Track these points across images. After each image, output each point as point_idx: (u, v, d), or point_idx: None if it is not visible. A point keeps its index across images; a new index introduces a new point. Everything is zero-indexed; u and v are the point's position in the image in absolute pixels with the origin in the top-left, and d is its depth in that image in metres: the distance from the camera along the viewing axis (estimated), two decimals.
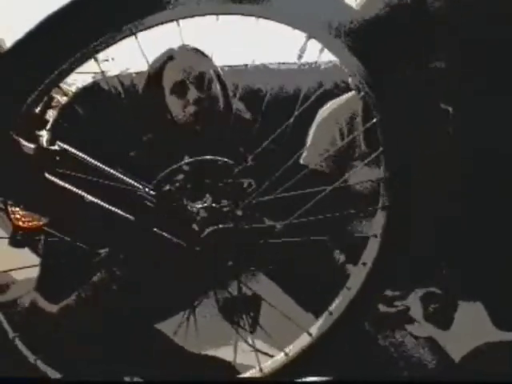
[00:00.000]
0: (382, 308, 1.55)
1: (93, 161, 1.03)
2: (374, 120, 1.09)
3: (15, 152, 0.93)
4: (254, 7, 0.94)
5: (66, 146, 1.01)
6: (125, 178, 1.05)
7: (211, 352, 1.43)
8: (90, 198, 0.99)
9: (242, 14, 0.95)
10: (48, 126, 1.00)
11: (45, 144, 0.99)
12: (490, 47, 1.48)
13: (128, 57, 1.40)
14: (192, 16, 0.93)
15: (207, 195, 1.08)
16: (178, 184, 1.08)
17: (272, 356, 1.29)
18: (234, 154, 1.10)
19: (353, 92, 1.70)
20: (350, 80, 1.65)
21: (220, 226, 1.06)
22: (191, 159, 1.10)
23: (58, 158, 0.98)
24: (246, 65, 2.09)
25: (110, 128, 1.49)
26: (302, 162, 1.70)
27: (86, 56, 0.93)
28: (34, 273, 1.58)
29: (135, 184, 1.06)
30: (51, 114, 1.00)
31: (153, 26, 0.94)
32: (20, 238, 1.03)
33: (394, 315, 1.54)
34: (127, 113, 1.36)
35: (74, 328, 1.45)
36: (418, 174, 1.15)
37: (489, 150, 1.48)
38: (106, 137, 1.44)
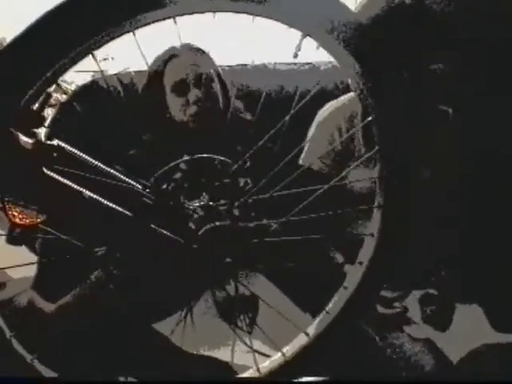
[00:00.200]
0: (380, 309, 1.54)
1: (90, 159, 1.03)
2: (370, 118, 1.09)
3: (13, 146, 0.94)
4: (250, 5, 0.94)
5: (63, 144, 1.01)
6: (122, 176, 1.05)
7: (208, 352, 1.43)
8: (88, 194, 0.99)
9: (239, 12, 0.95)
10: (47, 123, 0.99)
11: (43, 140, 0.99)
12: (489, 48, 1.48)
13: (127, 56, 1.40)
14: (189, 13, 0.93)
15: (204, 194, 1.08)
16: (175, 182, 1.08)
17: (269, 356, 1.28)
18: (232, 153, 1.10)
19: (352, 93, 1.70)
20: (349, 81, 1.65)
21: (217, 223, 1.06)
22: (188, 157, 1.10)
23: (55, 155, 0.99)
24: (246, 65, 2.09)
25: (108, 126, 1.49)
26: (300, 162, 1.70)
27: (83, 53, 0.93)
28: (31, 271, 1.58)
29: (132, 182, 1.06)
30: (49, 112, 0.99)
31: (150, 23, 0.93)
32: (17, 236, 1.03)
33: (392, 316, 1.54)
34: (126, 111, 1.36)
35: (70, 327, 1.45)
36: (415, 173, 1.15)
37: (488, 149, 1.48)
38: (105, 135, 1.44)
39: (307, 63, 2.12)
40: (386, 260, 1.21)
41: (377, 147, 1.12)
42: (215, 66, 1.76)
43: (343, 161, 1.67)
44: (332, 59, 1.06)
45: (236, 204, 1.08)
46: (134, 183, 1.05)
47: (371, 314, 1.49)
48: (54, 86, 0.96)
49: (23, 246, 1.13)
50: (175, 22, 0.93)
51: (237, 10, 0.95)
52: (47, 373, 1.13)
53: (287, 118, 1.08)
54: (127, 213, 1.02)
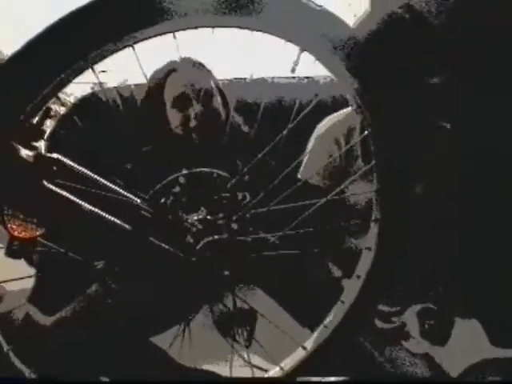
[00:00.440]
0: (379, 324, 1.54)
1: (89, 173, 1.04)
2: (366, 132, 1.10)
3: (13, 159, 0.94)
4: (249, 20, 0.94)
5: (62, 158, 1.01)
6: (121, 189, 1.05)
7: (206, 366, 1.42)
8: (87, 207, 1.00)
9: (238, 27, 0.96)
10: (46, 136, 1.00)
11: (43, 152, 0.99)
12: (489, 60, 1.49)
13: (126, 68, 1.40)
14: (188, 29, 0.93)
15: (202, 208, 1.08)
16: (173, 196, 1.09)
17: (267, 370, 1.28)
18: (231, 166, 1.11)
19: (350, 107, 1.71)
20: (348, 95, 1.66)
21: (215, 237, 1.06)
22: (186, 171, 1.10)
23: (55, 168, 0.99)
24: (245, 78, 2.10)
25: (108, 139, 1.49)
26: (299, 176, 1.70)
27: (83, 67, 0.93)
28: (27, 283, 1.57)
29: (131, 196, 1.06)
30: (49, 124, 1.00)
31: (150, 38, 0.94)
32: (16, 249, 1.03)
33: (390, 331, 1.54)
34: (126, 124, 1.36)
35: (68, 341, 1.44)
36: (412, 187, 1.15)
37: (487, 163, 1.49)
38: (104, 148, 1.45)
39: (306, 77, 2.13)
40: (383, 274, 1.21)
41: (374, 161, 1.12)
42: (215, 80, 1.77)
43: (341, 175, 1.67)
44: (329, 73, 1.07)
45: (234, 218, 1.08)
46: (133, 197, 1.05)
47: (369, 328, 1.49)
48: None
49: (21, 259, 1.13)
50: (175, 37, 0.94)
51: (236, 26, 0.95)
52: None
53: (285, 132, 1.09)
54: (126, 226, 1.02)
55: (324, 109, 1.69)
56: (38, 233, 1.02)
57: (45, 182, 0.97)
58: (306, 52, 1.01)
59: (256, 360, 1.33)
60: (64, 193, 0.98)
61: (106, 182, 1.04)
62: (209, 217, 1.07)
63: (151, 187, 1.07)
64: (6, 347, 1.08)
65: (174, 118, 1.71)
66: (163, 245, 1.04)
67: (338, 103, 1.85)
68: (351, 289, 1.22)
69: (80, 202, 0.99)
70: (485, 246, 1.50)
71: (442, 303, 1.55)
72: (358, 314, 1.23)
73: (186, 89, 1.68)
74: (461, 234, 1.51)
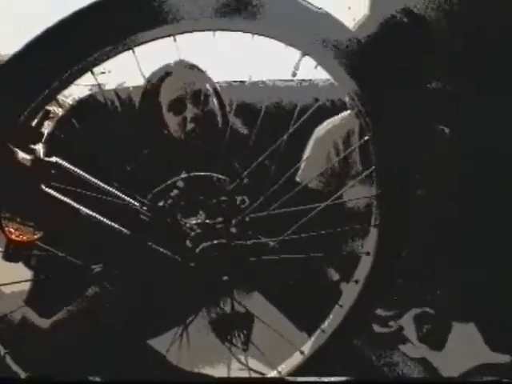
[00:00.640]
0: (376, 328, 1.54)
1: (87, 176, 1.03)
2: (366, 138, 1.09)
3: (11, 163, 0.93)
4: (250, 24, 0.94)
5: (60, 161, 1.00)
6: (119, 193, 1.05)
7: (204, 370, 1.42)
8: (85, 211, 0.99)
9: (238, 31, 0.95)
10: (44, 138, 0.99)
11: (41, 156, 0.99)
12: (489, 64, 1.49)
13: (124, 70, 1.40)
14: (188, 32, 0.93)
15: (201, 211, 1.08)
16: (172, 199, 1.08)
17: (264, 374, 1.28)
18: (230, 170, 1.10)
19: (349, 111, 1.71)
20: (347, 99, 1.66)
21: (214, 241, 1.06)
22: (185, 175, 1.10)
23: (53, 172, 0.98)
24: (244, 81, 2.09)
25: (106, 141, 1.49)
26: (297, 179, 1.70)
27: (83, 70, 0.93)
28: (24, 286, 1.57)
29: (130, 199, 1.05)
30: (47, 126, 0.99)
31: (150, 41, 0.94)
32: (13, 252, 1.02)
33: (387, 335, 1.53)
34: (124, 127, 1.36)
35: (65, 343, 1.43)
36: (412, 192, 1.15)
37: (487, 167, 1.49)
38: (102, 150, 1.44)
39: (305, 80, 2.13)
40: (382, 278, 1.21)
41: (374, 166, 1.12)
42: (212, 82, 1.76)
43: (340, 178, 1.68)
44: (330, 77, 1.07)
45: (233, 222, 1.08)
46: (131, 200, 1.05)
47: (367, 332, 1.49)
48: None
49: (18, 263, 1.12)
50: (175, 40, 0.94)
51: (237, 29, 0.95)
52: None
53: (285, 136, 1.08)
54: (124, 230, 1.02)
55: (323, 112, 1.69)
56: (35, 236, 1.02)
57: (43, 186, 0.96)
58: (306, 56, 1.01)
59: (254, 364, 1.33)
60: (62, 197, 0.97)
61: (104, 186, 1.04)
62: (208, 221, 1.07)
63: (149, 191, 1.06)
64: (2, 351, 1.07)
65: (170, 121, 1.70)
66: (161, 249, 1.04)
67: (337, 106, 1.85)
68: (350, 293, 1.22)
69: (78, 206, 0.98)
70: (483, 251, 1.50)
71: (439, 307, 1.55)
72: (356, 318, 1.23)
73: (182, 92, 1.67)
74: (459, 239, 1.52)
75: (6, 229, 0.98)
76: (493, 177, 1.52)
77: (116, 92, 2.01)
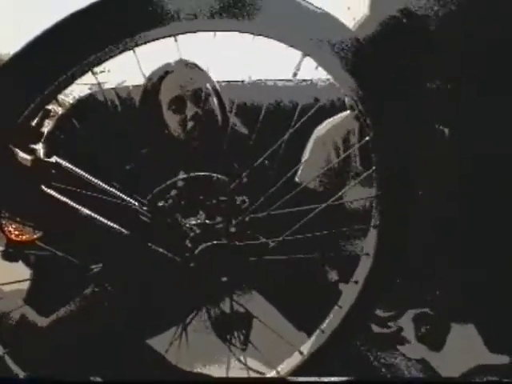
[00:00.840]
0: (375, 328, 1.54)
1: (87, 175, 1.03)
2: (367, 138, 1.09)
3: (11, 163, 0.93)
4: (250, 24, 0.94)
5: (60, 161, 1.00)
6: (119, 193, 1.05)
7: (203, 369, 1.42)
8: (85, 211, 0.99)
9: (239, 31, 0.95)
10: (44, 138, 0.99)
11: (42, 156, 0.99)
12: (488, 63, 1.49)
13: (124, 69, 1.40)
14: (189, 32, 0.93)
15: (200, 212, 1.08)
16: (172, 200, 1.08)
17: (263, 374, 1.28)
18: (229, 170, 1.10)
19: (349, 111, 1.71)
20: (346, 99, 1.66)
21: (214, 242, 1.06)
22: (185, 175, 1.10)
23: (53, 172, 0.98)
24: (243, 81, 2.09)
25: (106, 141, 1.49)
26: (297, 179, 1.70)
27: (83, 70, 0.93)
28: (23, 285, 1.56)
29: (129, 199, 1.05)
30: (47, 124, 0.99)
31: (151, 41, 0.94)
32: (13, 252, 1.03)
33: (386, 336, 1.53)
34: (124, 126, 1.35)
35: (64, 342, 1.43)
36: (412, 193, 1.15)
37: (488, 168, 1.49)
38: (102, 149, 1.44)
39: (305, 80, 2.13)
40: (381, 279, 1.21)
41: (374, 167, 1.12)
42: (211, 81, 1.76)
43: (339, 179, 1.68)
44: (330, 76, 1.07)
45: (233, 222, 1.08)
46: (131, 200, 1.04)
47: (366, 333, 1.49)
48: None
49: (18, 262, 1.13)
50: (176, 40, 0.94)
51: (239, 30, 0.95)
52: None
53: (286, 137, 1.08)
54: (124, 230, 1.02)
55: (323, 112, 1.69)
56: (35, 236, 1.02)
57: (42, 186, 0.96)
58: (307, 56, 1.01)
59: (253, 364, 1.33)
60: (62, 197, 0.97)
61: (103, 186, 1.04)
62: (207, 221, 1.07)
63: (149, 190, 1.06)
64: (1, 350, 1.07)
65: (170, 120, 1.70)
66: (161, 249, 1.04)
67: (337, 106, 1.85)
68: (349, 294, 1.22)
69: (78, 206, 0.98)
70: (482, 252, 1.50)
71: (438, 308, 1.55)
72: (355, 319, 1.23)
73: (181, 91, 1.67)
74: (459, 240, 1.52)
75: (6, 229, 0.99)
76: (493, 177, 1.52)
77: (116, 91, 2.01)
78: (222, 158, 1.06)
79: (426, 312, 1.54)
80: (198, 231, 1.06)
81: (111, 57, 0.93)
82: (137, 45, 0.93)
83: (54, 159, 0.99)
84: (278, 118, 1.16)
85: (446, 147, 1.61)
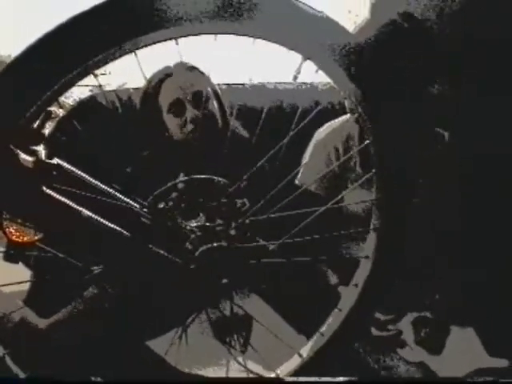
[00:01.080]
0: (375, 331, 1.54)
1: (88, 177, 1.04)
2: (367, 141, 1.10)
3: (13, 164, 0.94)
4: (251, 27, 0.94)
5: (61, 162, 1.01)
6: (120, 195, 1.05)
7: (202, 371, 1.42)
8: (86, 213, 0.99)
9: (240, 34, 0.96)
10: (45, 140, 1.00)
11: (43, 158, 0.99)
12: (489, 68, 1.49)
13: (125, 71, 1.40)
14: (190, 35, 0.93)
15: (201, 214, 1.08)
16: (172, 202, 1.08)
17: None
18: (230, 172, 1.11)
19: (349, 114, 1.71)
20: (346, 102, 1.66)
21: (214, 244, 1.06)
22: (185, 177, 1.10)
23: (55, 173, 0.99)
24: (244, 84, 2.09)
25: (106, 143, 1.49)
26: (297, 182, 1.70)
27: (84, 72, 0.93)
28: (23, 286, 1.56)
29: (130, 201, 1.06)
30: (48, 126, 1.00)
31: (152, 44, 0.94)
32: (14, 253, 1.03)
33: (386, 339, 1.53)
34: (124, 128, 1.36)
35: (64, 343, 1.43)
36: (411, 196, 1.15)
37: (487, 170, 1.49)
38: (103, 151, 1.44)
39: (305, 83, 2.13)
40: (381, 282, 1.21)
41: (373, 170, 1.12)
42: (211, 84, 1.76)
43: (340, 182, 1.68)
44: (330, 80, 1.07)
45: (233, 225, 1.08)
46: (132, 202, 1.05)
47: (365, 336, 1.49)
48: None
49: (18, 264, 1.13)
50: (177, 43, 0.94)
51: (240, 33, 0.95)
52: None
53: (286, 140, 1.09)
54: (124, 232, 1.02)
55: (323, 115, 1.69)
56: (36, 237, 1.02)
57: (44, 187, 0.96)
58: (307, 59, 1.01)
59: (252, 366, 1.33)
60: (63, 198, 0.97)
61: (104, 187, 1.04)
62: (208, 223, 1.07)
63: (150, 192, 1.07)
64: (2, 351, 1.07)
65: (170, 123, 1.70)
66: (161, 251, 1.04)
67: (338, 110, 1.85)
68: (348, 297, 1.22)
69: (79, 207, 0.99)
70: (482, 256, 1.50)
71: (438, 312, 1.55)
72: (354, 322, 1.23)
73: (181, 94, 1.67)
74: (458, 243, 1.52)
75: (7, 230, 0.99)
76: (492, 177, 1.52)
77: (117, 93, 2.01)
78: (222, 161, 1.06)
79: (426, 315, 1.54)
80: (198, 233, 1.06)
81: (113, 59, 0.93)
82: (138, 48, 0.93)
83: (55, 161, 0.99)
84: (279, 121, 1.17)
85: (445, 150, 1.61)
